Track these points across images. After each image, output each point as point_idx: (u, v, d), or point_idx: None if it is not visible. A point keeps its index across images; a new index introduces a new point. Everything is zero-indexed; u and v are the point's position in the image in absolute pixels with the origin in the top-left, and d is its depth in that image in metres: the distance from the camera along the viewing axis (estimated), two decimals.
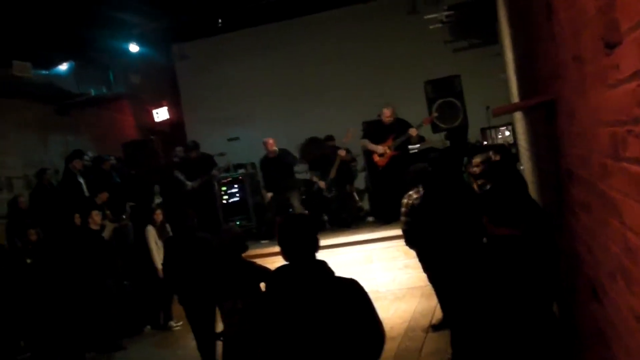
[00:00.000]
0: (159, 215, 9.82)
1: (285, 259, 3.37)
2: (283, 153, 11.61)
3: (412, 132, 10.67)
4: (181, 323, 9.38)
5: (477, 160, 7.15)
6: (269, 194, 11.71)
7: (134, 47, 14.13)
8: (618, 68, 1.76)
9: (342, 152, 11.47)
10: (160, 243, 9.26)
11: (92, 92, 15.20)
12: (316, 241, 3.42)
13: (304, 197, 12.14)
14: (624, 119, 1.76)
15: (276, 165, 11.53)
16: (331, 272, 3.33)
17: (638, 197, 1.70)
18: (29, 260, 9.14)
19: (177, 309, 8.25)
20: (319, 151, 11.81)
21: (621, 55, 1.72)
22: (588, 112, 2.38)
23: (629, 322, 2.04)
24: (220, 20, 13.78)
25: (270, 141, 11.67)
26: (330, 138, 12.56)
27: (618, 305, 2.23)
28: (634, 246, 1.80)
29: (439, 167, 6.39)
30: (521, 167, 8.64)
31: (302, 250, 3.35)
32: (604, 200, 2.26)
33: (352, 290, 3.27)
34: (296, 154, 12.29)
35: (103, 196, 10.80)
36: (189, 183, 12.01)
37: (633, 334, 2.00)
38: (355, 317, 3.19)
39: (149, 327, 10.10)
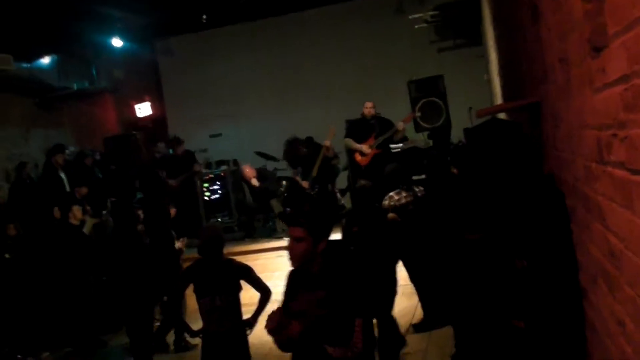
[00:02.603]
0: (141, 213, 9.75)
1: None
2: (262, 176, 11.63)
3: (400, 126, 10.66)
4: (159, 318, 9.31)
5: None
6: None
7: (117, 42, 14.02)
8: (604, 71, 1.75)
9: (327, 143, 11.40)
10: None
11: (75, 87, 15.06)
12: None
13: (286, 194, 12.09)
14: (609, 122, 1.75)
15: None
16: None
17: (622, 201, 1.70)
18: (7, 255, 9.04)
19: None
20: (300, 150, 11.73)
21: (608, 58, 1.71)
22: (573, 115, 2.38)
23: (611, 326, 2.04)
24: (204, 17, 13.71)
25: (248, 170, 11.64)
26: (310, 140, 12.49)
27: (599, 309, 2.23)
28: (617, 251, 1.80)
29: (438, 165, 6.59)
30: None
31: None
32: (588, 203, 2.26)
33: None
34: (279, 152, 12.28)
35: (83, 190, 10.69)
36: (171, 181, 11.95)
37: (614, 338, 2.00)
38: None
39: None
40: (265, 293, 5.74)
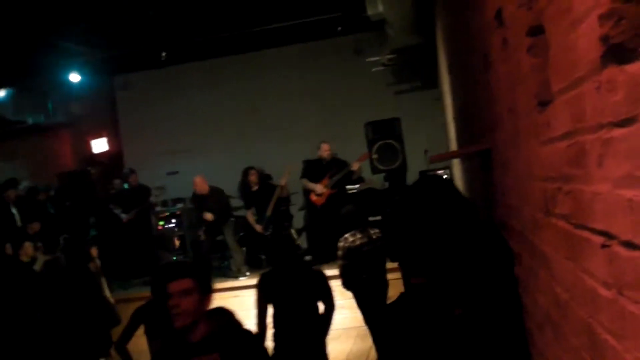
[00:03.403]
0: (94, 251, 9.59)
1: None
2: (214, 192, 11.62)
3: (354, 166, 10.81)
4: None
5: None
6: (202, 231, 11.67)
7: (75, 77, 13.95)
8: (549, 126, 1.81)
9: (282, 182, 11.44)
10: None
11: (30, 120, 14.91)
12: None
13: (242, 234, 12.09)
14: (554, 175, 1.80)
15: (206, 203, 11.53)
16: None
17: (566, 253, 1.74)
18: None
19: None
20: (250, 178, 11.76)
21: (553, 114, 1.76)
22: (521, 165, 2.44)
23: None
24: (164, 54, 13.72)
25: (198, 180, 11.68)
26: (268, 177, 12.56)
27: (545, 357, 2.26)
28: (563, 301, 1.83)
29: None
30: None
31: None
32: (534, 252, 2.30)
33: None
34: (236, 188, 12.30)
35: (35, 226, 10.55)
36: (124, 215, 11.85)
37: None
38: None
39: None
40: None
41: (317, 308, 6.18)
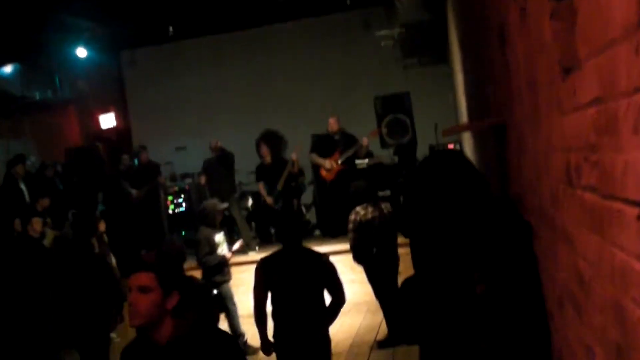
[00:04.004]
0: (102, 225, 9.58)
1: None
2: (225, 154, 11.82)
3: (364, 141, 10.78)
4: (118, 340, 9.08)
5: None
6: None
7: (81, 52, 13.89)
8: (575, 94, 1.73)
9: (293, 156, 11.43)
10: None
11: (37, 96, 14.86)
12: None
13: (251, 209, 12.10)
14: (579, 145, 1.72)
15: (217, 166, 11.65)
16: None
17: (592, 226, 1.67)
18: None
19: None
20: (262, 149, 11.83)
21: (579, 80, 1.68)
22: (540, 137, 2.36)
23: (577, 352, 2.01)
24: (171, 29, 13.63)
25: (217, 142, 12.14)
26: (278, 152, 12.55)
27: (566, 334, 2.20)
28: (587, 277, 1.77)
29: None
30: None
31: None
32: (553, 227, 2.23)
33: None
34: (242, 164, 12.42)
35: (44, 202, 10.54)
36: (134, 191, 11.84)
37: None
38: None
39: None
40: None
41: (322, 299, 5.78)
